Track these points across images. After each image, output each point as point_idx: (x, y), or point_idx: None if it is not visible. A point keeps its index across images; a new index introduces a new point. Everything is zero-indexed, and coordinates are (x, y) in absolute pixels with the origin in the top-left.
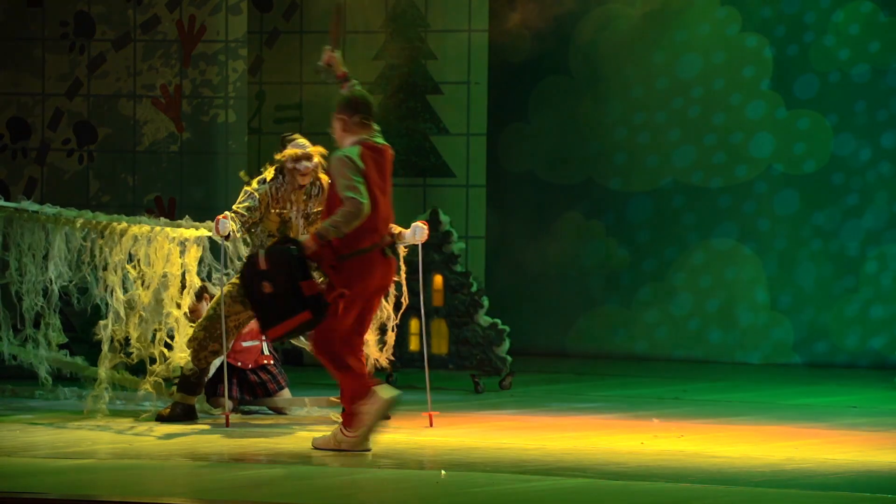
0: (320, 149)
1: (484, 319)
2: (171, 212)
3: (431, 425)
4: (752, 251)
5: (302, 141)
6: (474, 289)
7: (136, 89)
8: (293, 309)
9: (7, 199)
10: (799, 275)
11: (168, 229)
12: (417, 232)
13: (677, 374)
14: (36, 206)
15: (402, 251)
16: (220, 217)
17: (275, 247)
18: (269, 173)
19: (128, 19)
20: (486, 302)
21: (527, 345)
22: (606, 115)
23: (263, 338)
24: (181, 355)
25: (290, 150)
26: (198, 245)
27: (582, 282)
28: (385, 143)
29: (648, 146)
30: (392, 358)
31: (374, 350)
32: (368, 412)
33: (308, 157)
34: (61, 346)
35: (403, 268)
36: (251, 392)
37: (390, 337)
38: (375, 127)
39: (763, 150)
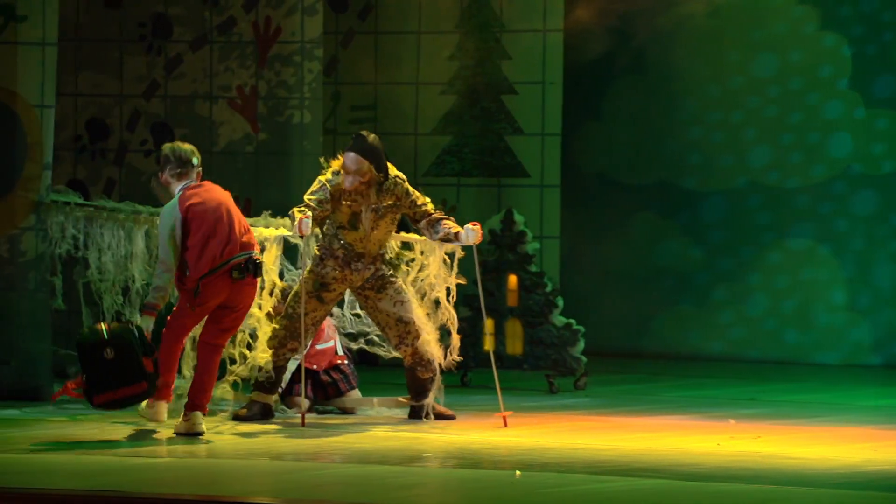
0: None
1: (558, 319)
2: (247, 212)
3: (506, 426)
4: (830, 252)
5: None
6: (549, 289)
7: (213, 90)
8: (133, 378)
9: (86, 200)
10: (877, 275)
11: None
12: (470, 235)
13: (753, 374)
14: (116, 205)
15: (458, 252)
16: (303, 217)
17: (119, 323)
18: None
19: (204, 21)
20: (560, 302)
21: (601, 345)
22: (681, 115)
23: (337, 337)
24: (262, 355)
25: (339, 163)
26: (277, 244)
27: (656, 282)
28: (203, 181)
29: (723, 146)
30: (460, 357)
31: (437, 350)
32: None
33: (355, 173)
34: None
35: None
36: (323, 392)
37: (455, 339)
38: (195, 163)
39: (841, 150)
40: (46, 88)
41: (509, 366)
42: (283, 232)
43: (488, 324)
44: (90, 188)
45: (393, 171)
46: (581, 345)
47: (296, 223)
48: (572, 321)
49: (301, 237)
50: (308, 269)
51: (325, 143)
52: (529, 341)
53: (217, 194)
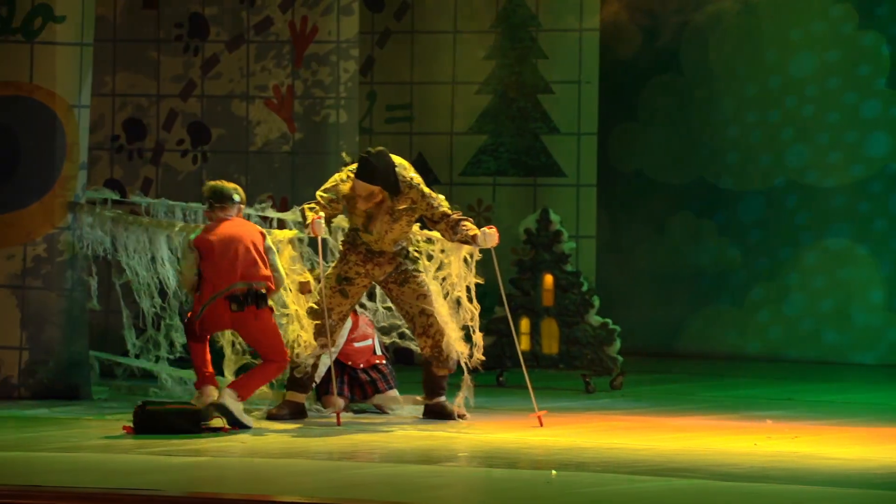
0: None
1: (595, 319)
2: (284, 211)
3: (541, 425)
4: (868, 251)
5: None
6: (585, 288)
7: (249, 90)
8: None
9: (123, 199)
10: None
11: None
12: (488, 238)
13: (790, 374)
14: (147, 201)
15: (476, 254)
16: (316, 218)
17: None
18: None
19: (241, 21)
20: (596, 301)
21: (638, 344)
22: (718, 114)
23: (375, 337)
24: (300, 357)
25: (349, 187)
26: (291, 245)
27: (693, 281)
28: (234, 218)
29: (761, 145)
30: (483, 357)
31: (462, 348)
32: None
33: (367, 198)
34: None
35: (482, 269)
36: (361, 391)
37: (478, 337)
38: (235, 199)
39: (878, 149)
40: (83, 89)
41: (545, 365)
42: (296, 233)
43: (524, 323)
44: (127, 188)
45: (409, 171)
46: (617, 344)
47: (309, 223)
48: (608, 321)
49: (314, 237)
50: (332, 264)
51: (360, 143)
52: (565, 341)
53: (234, 230)
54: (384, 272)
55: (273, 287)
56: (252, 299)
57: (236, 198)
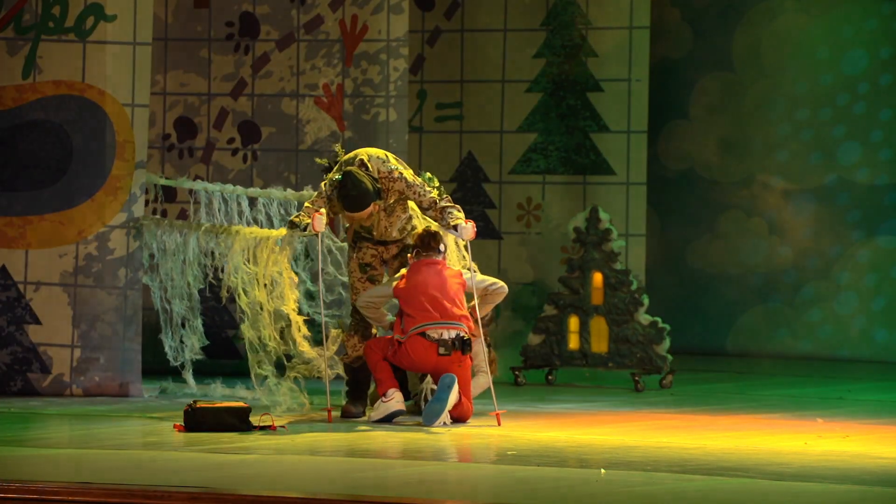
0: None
1: (644, 317)
2: None
3: (499, 424)
4: None
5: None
6: (634, 287)
7: (299, 89)
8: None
9: (174, 199)
10: None
11: (255, 229)
12: (463, 231)
13: (841, 373)
14: (200, 185)
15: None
16: (317, 214)
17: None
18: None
19: (291, 19)
20: (646, 300)
21: (687, 343)
22: (769, 112)
23: None
24: (309, 352)
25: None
26: (290, 247)
27: (744, 280)
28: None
29: (812, 143)
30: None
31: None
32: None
33: (365, 218)
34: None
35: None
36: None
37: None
38: (441, 250)
39: None
40: (138, 88)
41: (594, 364)
42: (282, 232)
43: (573, 321)
44: (178, 178)
45: (390, 162)
46: (667, 343)
47: (311, 221)
48: (658, 319)
49: (315, 234)
50: (350, 259)
51: (410, 142)
52: (615, 339)
53: (432, 274)
54: (391, 254)
55: (473, 331)
56: (458, 345)
57: (442, 248)
